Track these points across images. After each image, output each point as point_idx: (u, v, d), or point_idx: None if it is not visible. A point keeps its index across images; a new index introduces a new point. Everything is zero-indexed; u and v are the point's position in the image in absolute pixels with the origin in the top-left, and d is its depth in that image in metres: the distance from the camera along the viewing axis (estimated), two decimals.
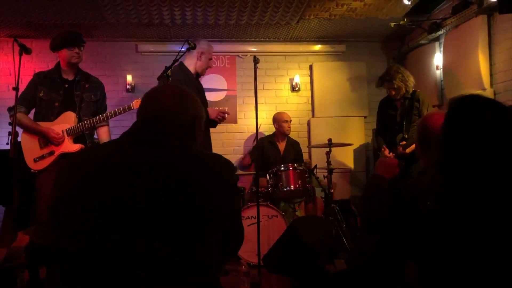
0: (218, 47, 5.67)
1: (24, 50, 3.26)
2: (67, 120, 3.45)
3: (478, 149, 1.31)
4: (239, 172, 4.88)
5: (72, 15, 4.65)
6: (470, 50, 4.20)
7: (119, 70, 5.56)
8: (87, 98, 3.57)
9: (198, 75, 3.84)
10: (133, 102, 3.47)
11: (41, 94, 3.48)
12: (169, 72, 3.42)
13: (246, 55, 5.75)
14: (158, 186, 1.23)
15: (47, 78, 3.54)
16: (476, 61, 4.11)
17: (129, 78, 5.48)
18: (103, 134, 3.63)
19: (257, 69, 3.54)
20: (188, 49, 3.52)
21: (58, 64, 3.60)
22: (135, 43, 5.59)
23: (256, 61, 3.52)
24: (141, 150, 1.31)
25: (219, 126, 3.81)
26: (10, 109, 3.49)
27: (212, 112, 3.74)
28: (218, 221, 1.28)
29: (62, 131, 3.43)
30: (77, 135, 3.48)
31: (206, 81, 5.59)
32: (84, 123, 3.45)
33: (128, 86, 5.47)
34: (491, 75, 4.10)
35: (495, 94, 4.02)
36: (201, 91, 3.82)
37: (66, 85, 3.55)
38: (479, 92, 4.11)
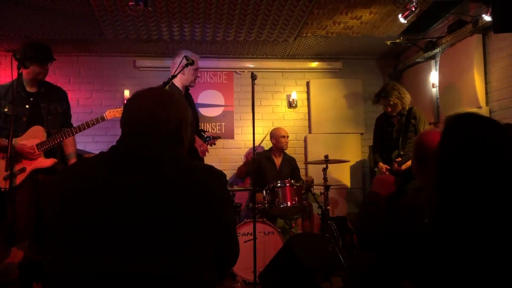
0: (215, 63, 5.72)
1: (22, 65, 3.25)
2: (36, 135, 3.36)
3: (474, 166, 1.31)
4: (235, 187, 4.86)
5: (71, 30, 4.67)
6: (466, 68, 4.24)
7: (117, 85, 5.57)
8: (53, 110, 3.48)
9: (188, 88, 3.83)
10: (106, 113, 3.41)
11: (6, 110, 3.35)
12: (166, 87, 3.44)
13: (244, 71, 5.78)
14: (148, 203, 1.21)
15: (10, 92, 3.36)
16: (472, 79, 4.15)
17: (126, 93, 5.49)
18: (68, 144, 3.55)
19: (255, 85, 3.55)
20: (186, 65, 3.53)
21: (20, 75, 3.43)
22: (133, 58, 5.62)
23: (253, 77, 3.53)
24: (129, 166, 1.29)
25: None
26: None
27: (197, 142, 3.70)
28: (210, 236, 1.26)
29: (33, 146, 3.33)
30: (48, 149, 3.39)
31: (204, 97, 5.62)
32: (56, 136, 3.36)
33: (125, 101, 5.47)
34: (486, 93, 4.13)
35: (490, 112, 4.05)
36: (191, 108, 3.80)
37: (31, 99, 3.44)
38: (474, 110, 4.13)
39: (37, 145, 3.35)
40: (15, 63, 3.22)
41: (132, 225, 1.18)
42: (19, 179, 3.33)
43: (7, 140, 3.31)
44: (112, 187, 1.24)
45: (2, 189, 3.29)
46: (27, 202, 3.32)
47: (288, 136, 5.14)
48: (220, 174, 1.37)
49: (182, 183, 1.27)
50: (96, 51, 5.41)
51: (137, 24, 4.55)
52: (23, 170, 3.33)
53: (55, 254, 1.22)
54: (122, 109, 3.42)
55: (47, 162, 3.37)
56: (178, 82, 3.71)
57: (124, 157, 1.32)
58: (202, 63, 5.49)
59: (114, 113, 3.46)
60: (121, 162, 1.31)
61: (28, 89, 3.47)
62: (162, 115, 1.36)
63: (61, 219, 1.24)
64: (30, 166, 3.34)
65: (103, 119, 3.42)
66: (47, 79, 3.61)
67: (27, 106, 3.42)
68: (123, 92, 5.50)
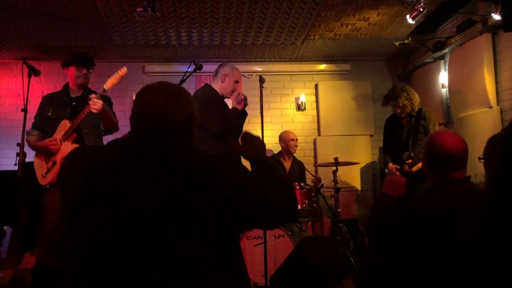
0: None
1: (33, 72, 3.30)
2: (63, 128, 3.42)
3: None
4: None
5: (80, 37, 4.72)
6: (476, 68, 4.21)
7: (126, 90, 5.61)
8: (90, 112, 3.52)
9: (223, 97, 3.86)
10: (106, 85, 3.42)
11: (49, 114, 3.50)
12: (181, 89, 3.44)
13: (252, 75, 5.79)
14: (166, 187, 1.23)
15: (55, 98, 3.56)
16: (482, 79, 4.11)
17: None
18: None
19: (263, 88, 3.55)
20: (194, 70, 3.55)
21: (67, 84, 3.62)
22: (142, 64, 5.66)
23: (262, 80, 3.54)
24: (141, 152, 1.31)
25: None
26: (28, 133, 3.50)
27: (232, 102, 3.60)
28: (229, 219, 1.26)
29: (58, 138, 3.39)
30: (73, 137, 3.39)
31: None
32: (74, 121, 3.33)
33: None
34: (497, 92, 4.09)
35: (501, 112, 4.01)
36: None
37: (74, 103, 3.55)
38: (485, 109, 4.10)
39: (61, 136, 3.40)
40: (25, 71, 3.27)
41: (146, 209, 1.20)
42: (53, 173, 3.34)
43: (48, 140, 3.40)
44: (126, 173, 1.26)
45: (43, 187, 3.35)
46: (57, 205, 3.35)
47: (297, 139, 5.13)
48: (230, 155, 1.40)
49: (195, 168, 1.28)
50: (105, 57, 5.46)
51: (146, 30, 4.58)
52: (54, 163, 3.38)
53: (72, 237, 1.24)
54: (119, 75, 3.42)
55: (72, 147, 3.39)
56: (218, 88, 3.72)
57: (138, 146, 1.34)
58: (209, 67, 5.52)
59: (112, 80, 3.43)
60: (135, 151, 1.33)
61: (73, 95, 3.58)
62: (173, 109, 1.39)
63: (79, 204, 1.26)
64: (59, 157, 3.37)
65: (104, 91, 3.37)
66: None
67: (67, 110, 3.52)
68: (132, 98, 5.52)
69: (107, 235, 1.19)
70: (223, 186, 1.27)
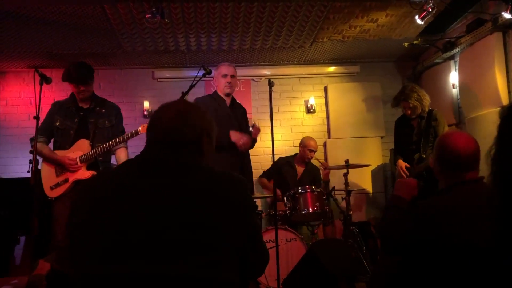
0: None
1: (45, 80, 3.34)
2: (81, 148, 3.50)
3: None
4: (257, 195, 4.85)
5: (90, 44, 4.77)
6: (486, 67, 4.17)
7: (136, 96, 5.65)
8: (101, 125, 3.59)
9: (234, 99, 3.91)
10: (140, 128, 3.47)
11: (57, 124, 3.56)
12: (185, 97, 3.47)
13: (261, 79, 5.79)
14: (172, 208, 1.24)
15: (63, 108, 3.60)
16: (493, 78, 4.08)
17: (146, 104, 5.56)
18: (120, 155, 3.64)
19: (272, 92, 3.55)
20: (204, 75, 3.57)
21: (73, 93, 3.64)
22: (152, 69, 5.69)
23: (271, 84, 3.53)
24: (153, 172, 1.33)
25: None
26: (31, 139, 3.56)
27: (233, 134, 3.67)
28: (233, 239, 1.27)
29: (76, 158, 3.48)
30: (90, 162, 3.51)
31: None
32: (96, 149, 3.47)
33: (145, 112, 5.55)
34: (509, 92, 4.05)
35: None
36: (232, 116, 3.80)
37: (81, 113, 3.60)
38: (497, 109, 4.06)
39: (80, 157, 3.48)
40: (37, 79, 3.30)
41: (157, 229, 1.21)
42: (62, 189, 3.47)
43: (57, 152, 3.52)
44: (137, 193, 1.27)
45: (49, 198, 3.48)
46: (67, 213, 3.40)
47: (316, 151, 5.04)
48: (241, 180, 1.38)
49: (205, 189, 1.30)
50: (115, 64, 5.50)
51: (155, 36, 4.61)
52: (66, 180, 3.48)
53: (83, 259, 1.25)
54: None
55: (86, 174, 3.49)
56: (220, 91, 3.79)
57: (148, 163, 1.36)
58: None
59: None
60: (145, 168, 1.35)
61: (80, 104, 3.62)
62: (182, 125, 1.40)
63: (89, 225, 1.27)
64: (72, 177, 3.48)
65: (137, 133, 3.47)
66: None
67: (75, 120, 3.57)
68: (142, 104, 5.57)
69: (116, 255, 1.19)
70: (233, 208, 1.30)
